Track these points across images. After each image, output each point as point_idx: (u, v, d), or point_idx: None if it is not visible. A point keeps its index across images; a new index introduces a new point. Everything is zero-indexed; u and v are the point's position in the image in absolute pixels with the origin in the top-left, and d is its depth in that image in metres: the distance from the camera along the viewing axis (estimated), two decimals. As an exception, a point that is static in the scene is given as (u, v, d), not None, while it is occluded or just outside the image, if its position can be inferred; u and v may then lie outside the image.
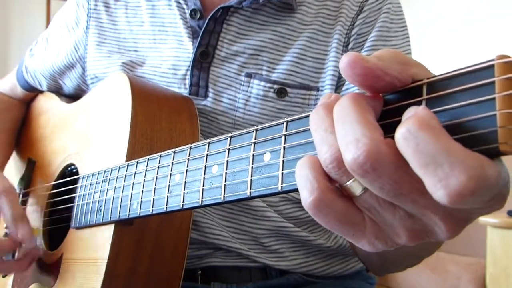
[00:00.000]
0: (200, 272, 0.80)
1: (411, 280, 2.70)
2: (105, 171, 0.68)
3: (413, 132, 0.29)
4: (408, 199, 0.32)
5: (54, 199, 0.84)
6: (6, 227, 0.80)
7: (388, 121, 0.34)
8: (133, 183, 0.61)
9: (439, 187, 0.28)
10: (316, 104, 0.79)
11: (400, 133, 0.29)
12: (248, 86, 0.79)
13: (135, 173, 0.61)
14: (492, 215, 2.26)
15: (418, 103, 0.32)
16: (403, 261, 0.74)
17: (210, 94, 0.80)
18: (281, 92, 0.79)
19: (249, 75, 0.80)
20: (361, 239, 0.35)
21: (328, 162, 0.33)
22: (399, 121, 0.33)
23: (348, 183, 0.34)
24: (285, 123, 0.41)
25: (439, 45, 3.39)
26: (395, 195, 0.31)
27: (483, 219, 2.25)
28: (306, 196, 0.34)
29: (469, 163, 0.28)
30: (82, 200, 0.72)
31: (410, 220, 0.34)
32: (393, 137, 0.31)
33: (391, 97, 0.34)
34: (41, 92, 1.06)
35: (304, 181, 0.35)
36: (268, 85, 0.79)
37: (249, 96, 0.79)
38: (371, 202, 0.34)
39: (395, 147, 0.30)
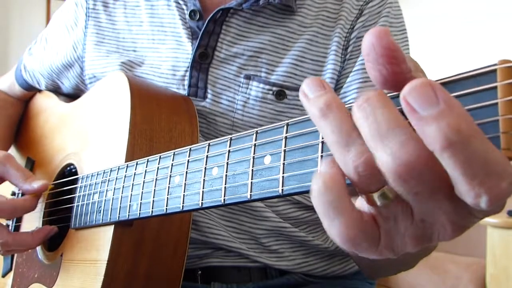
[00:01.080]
0: (200, 272, 0.80)
1: (411, 280, 2.70)
2: (104, 172, 0.68)
3: (457, 146, 0.28)
4: (437, 205, 0.31)
5: (53, 199, 0.84)
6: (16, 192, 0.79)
7: None
8: (132, 184, 0.61)
9: (482, 191, 0.28)
10: None
11: (440, 149, 0.28)
12: (247, 88, 0.79)
13: (134, 174, 0.61)
14: (492, 215, 2.26)
15: None
16: (391, 267, 0.74)
17: (209, 95, 0.80)
18: (280, 94, 0.79)
19: (248, 77, 0.80)
20: (374, 252, 0.34)
21: (360, 168, 0.31)
22: None
23: (376, 192, 0.32)
24: (285, 125, 0.41)
25: (439, 48, 3.39)
26: (428, 200, 0.31)
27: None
28: (342, 230, 0.32)
29: (508, 167, 0.28)
30: (82, 201, 0.72)
31: (422, 225, 0.33)
32: None
33: (393, 100, 0.34)
34: (40, 91, 1.06)
35: (336, 211, 0.32)
36: (267, 87, 0.79)
37: (248, 98, 0.79)
38: (394, 210, 0.33)
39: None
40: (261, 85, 0.79)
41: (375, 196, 0.32)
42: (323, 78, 0.80)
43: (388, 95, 0.34)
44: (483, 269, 2.44)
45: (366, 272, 0.81)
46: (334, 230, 0.33)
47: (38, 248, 0.83)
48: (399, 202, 0.32)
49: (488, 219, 2.27)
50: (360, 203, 0.35)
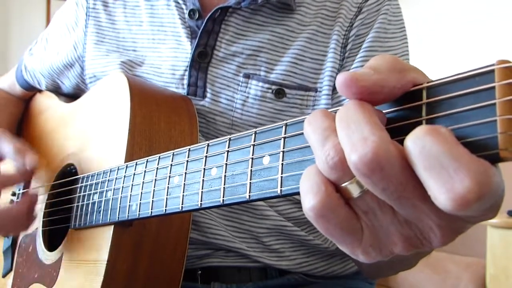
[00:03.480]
0: (200, 272, 0.80)
1: (411, 280, 2.70)
2: (104, 172, 0.68)
3: (420, 136, 0.29)
4: (409, 203, 0.31)
5: (53, 200, 0.84)
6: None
7: (388, 127, 0.33)
8: (132, 185, 0.61)
9: (443, 191, 0.28)
10: (314, 105, 0.79)
11: (408, 137, 0.30)
12: (246, 87, 0.79)
13: (134, 174, 0.61)
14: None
15: (418, 108, 0.32)
16: (393, 267, 0.74)
17: (208, 95, 0.80)
18: (279, 93, 0.79)
19: (247, 76, 0.80)
20: (357, 248, 0.34)
21: (330, 161, 0.33)
22: (399, 126, 0.33)
23: (347, 183, 0.33)
24: (284, 125, 0.41)
25: (438, 47, 3.38)
26: (397, 198, 0.31)
27: (483, 219, 2.25)
28: (310, 199, 0.33)
29: (474, 168, 0.27)
30: (82, 201, 0.72)
31: (407, 226, 0.33)
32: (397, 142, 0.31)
33: (391, 101, 0.34)
34: (40, 91, 1.06)
35: (310, 185, 0.34)
36: (266, 85, 0.79)
37: (247, 97, 0.79)
38: (371, 204, 0.33)
39: (402, 148, 0.30)
40: (260, 84, 0.79)
41: (348, 188, 0.33)
42: (322, 76, 0.80)
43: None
44: (483, 269, 2.43)
45: (366, 271, 0.81)
46: (307, 203, 0.34)
47: (39, 248, 0.83)
48: (373, 196, 0.33)
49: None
50: None
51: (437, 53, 3.34)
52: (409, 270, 0.76)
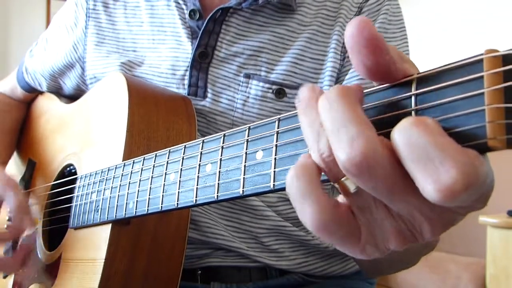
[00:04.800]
0: (200, 272, 0.80)
1: (411, 280, 2.69)
2: (102, 171, 0.68)
3: (406, 127, 0.29)
4: (400, 198, 0.31)
5: (53, 199, 0.84)
6: (9, 219, 0.81)
7: (377, 118, 0.33)
8: (129, 183, 0.61)
9: (429, 182, 0.28)
10: None
11: (394, 129, 0.29)
12: (247, 87, 0.79)
13: (131, 172, 0.61)
14: (492, 215, 2.26)
15: (408, 98, 0.32)
16: (393, 266, 0.74)
17: (209, 95, 0.80)
18: (280, 92, 0.79)
19: (247, 76, 0.80)
20: (356, 247, 0.34)
21: (327, 158, 0.32)
22: (388, 117, 0.33)
23: (344, 178, 0.33)
24: (277, 120, 0.41)
25: (438, 47, 3.38)
26: (388, 195, 0.31)
27: (483, 219, 2.25)
28: (313, 215, 0.32)
29: (460, 158, 0.27)
30: (80, 200, 0.72)
31: (400, 219, 0.33)
32: (383, 134, 0.30)
33: (381, 93, 0.34)
34: (41, 93, 1.07)
35: (306, 196, 0.33)
36: (267, 85, 0.79)
37: (248, 97, 0.79)
38: (367, 199, 0.33)
39: (390, 146, 0.30)
40: (261, 84, 0.79)
41: (345, 184, 0.33)
42: (322, 76, 0.80)
43: (365, 91, 0.34)
44: (483, 269, 2.42)
45: (367, 270, 0.81)
46: (305, 214, 0.33)
47: (39, 248, 0.83)
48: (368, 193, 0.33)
49: (488, 219, 2.25)
50: (339, 198, 0.36)
51: (437, 53, 3.33)
52: (409, 270, 0.76)
